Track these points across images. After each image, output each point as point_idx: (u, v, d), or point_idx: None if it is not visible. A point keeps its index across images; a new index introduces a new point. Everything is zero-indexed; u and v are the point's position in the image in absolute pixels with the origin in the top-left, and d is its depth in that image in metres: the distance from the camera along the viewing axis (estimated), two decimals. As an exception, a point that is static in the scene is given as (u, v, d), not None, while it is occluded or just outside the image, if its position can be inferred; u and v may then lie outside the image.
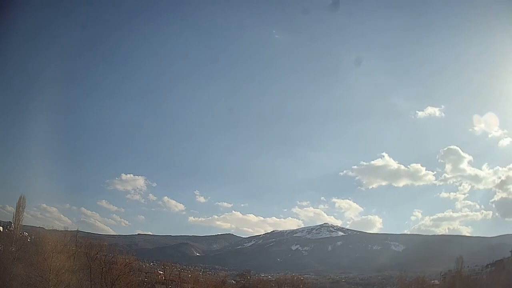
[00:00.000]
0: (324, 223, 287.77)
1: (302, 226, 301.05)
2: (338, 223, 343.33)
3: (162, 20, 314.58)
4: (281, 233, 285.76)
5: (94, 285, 53.90)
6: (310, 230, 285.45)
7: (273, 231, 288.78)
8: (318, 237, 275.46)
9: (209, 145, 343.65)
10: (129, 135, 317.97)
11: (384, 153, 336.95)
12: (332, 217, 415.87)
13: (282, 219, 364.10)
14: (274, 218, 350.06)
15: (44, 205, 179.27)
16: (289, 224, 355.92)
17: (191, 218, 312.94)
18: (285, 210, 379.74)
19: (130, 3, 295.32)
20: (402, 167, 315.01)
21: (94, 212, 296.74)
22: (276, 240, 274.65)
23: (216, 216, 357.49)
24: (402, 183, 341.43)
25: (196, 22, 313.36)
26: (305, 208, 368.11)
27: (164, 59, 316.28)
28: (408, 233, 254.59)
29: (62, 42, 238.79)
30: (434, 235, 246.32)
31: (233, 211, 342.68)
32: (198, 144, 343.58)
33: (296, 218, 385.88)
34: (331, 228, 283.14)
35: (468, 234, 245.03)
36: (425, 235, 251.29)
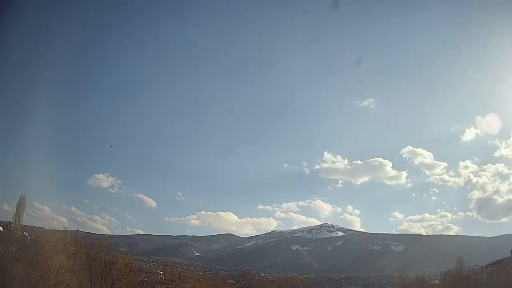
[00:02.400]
0: (324, 223, 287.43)
1: (283, 226, 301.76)
2: (317, 222, 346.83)
3: (161, 20, 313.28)
4: (281, 233, 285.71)
5: (94, 285, 54.04)
6: (310, 230, 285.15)
7: (273, 231, 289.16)
8: (318, 237, 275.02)
9: (184, 145, 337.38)
10: (122, 135, 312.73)
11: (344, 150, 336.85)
12: (306, 217, 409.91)
13: (255, 219, 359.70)
14: (248, 218, 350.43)
15: (36, 204, 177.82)
16: (266, 223, 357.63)
17: (167, 218, 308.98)
18: (254, 210, 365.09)
19: (130, 3, 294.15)
20: (360, 162, 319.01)
21: (83, 211, 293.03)
22: (276, 240, 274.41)
23: (194, 216, 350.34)
24: (369, 181, 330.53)
25: (196, 22, 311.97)
26: (276, 208, 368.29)
27: (163, 59, 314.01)
28: (408, 233, 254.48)
29: (62, 42, 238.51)
30: (434, 235, 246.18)
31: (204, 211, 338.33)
32: (175, 143, 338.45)
33: (272, 218, 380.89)
34: (331, 228, 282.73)
35: (468, 234, 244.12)
36: (425, 235, 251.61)
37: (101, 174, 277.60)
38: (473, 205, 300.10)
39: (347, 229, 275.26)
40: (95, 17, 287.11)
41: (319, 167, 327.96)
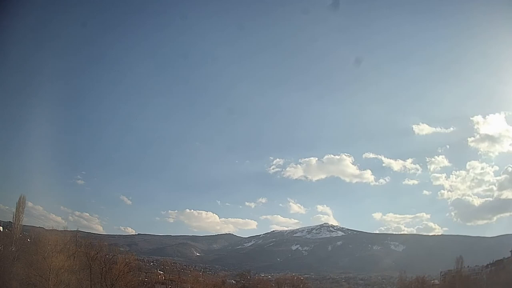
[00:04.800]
0: (324, 223, 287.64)
1: (263, 227, 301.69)
2: (294, 221, 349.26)
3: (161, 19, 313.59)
4: (281, 233, 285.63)
5: (94, 285, 53.99)
6: (310, 230, 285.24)
7: (273, 231, 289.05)
8: (318, 237, 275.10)
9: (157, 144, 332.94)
10: (120, 135, 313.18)
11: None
12: (282, 216, 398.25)
13: (230, 219, 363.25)
14: (223, 218, 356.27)
15: (31, 203, 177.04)
16: (244, 223, 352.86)
17: (154, 218, 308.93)
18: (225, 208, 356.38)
19: (129, 2, 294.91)
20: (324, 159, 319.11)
21: (71, 209, 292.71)
22: (276, 240, 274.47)
23: (171, 215, 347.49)
24: (333, 179, 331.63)
25: (196, 22, 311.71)
26: (242, 207, 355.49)
27: (162, 59, 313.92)
28: (408, 233, 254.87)
29: (62, 41, 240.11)
30: (434, 235, 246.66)
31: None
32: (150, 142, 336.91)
33: (249, 219, 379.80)
34: (331, 228, 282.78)
35: (469, 234, 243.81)
36: (425, 235, 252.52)
37: (79, 173, 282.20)
38: (450, 207, 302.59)
39: (347, 229, 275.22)
40: (94, 16, 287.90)
41: (281, 167, 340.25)
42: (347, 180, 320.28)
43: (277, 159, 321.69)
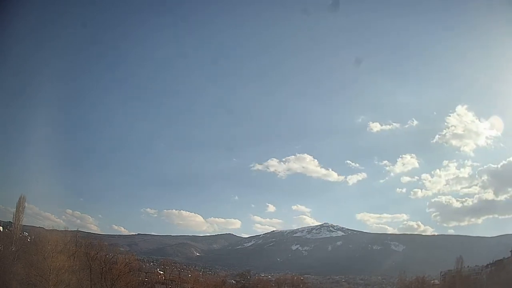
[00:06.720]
0: (324, 223, 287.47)
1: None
2: (277, 221, 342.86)
3: (161, 21, 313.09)
4: (281, 233, 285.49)
5: (94, 285, 54.05)
6: (310, 230, 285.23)
7: (273, 231, 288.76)
8: (318, 237, 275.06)
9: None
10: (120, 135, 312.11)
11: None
12: (259, 217, 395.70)
13: (214, 218, 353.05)
14: (208, 218, 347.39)
15: (26, 204, 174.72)
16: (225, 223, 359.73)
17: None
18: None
19: (129, 3, 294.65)
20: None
21: (66, 209, 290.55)
22: (276, 240, 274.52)
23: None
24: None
25: (196, 24, 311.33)
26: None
27: (162, 61, 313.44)
28: (409, 233, 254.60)
29: (62, 42, 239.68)
30: (434, 235, 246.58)
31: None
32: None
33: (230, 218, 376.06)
34: (331, 228, 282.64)
35: (468, 234, 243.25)
36: (425, 235, 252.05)
37: (69, 171, 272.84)
38: (429, 208, 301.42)
39: (347, 229, 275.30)
40: (95, 17, 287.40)
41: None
42: (314, 177, 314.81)
43: (234, 159, 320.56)
